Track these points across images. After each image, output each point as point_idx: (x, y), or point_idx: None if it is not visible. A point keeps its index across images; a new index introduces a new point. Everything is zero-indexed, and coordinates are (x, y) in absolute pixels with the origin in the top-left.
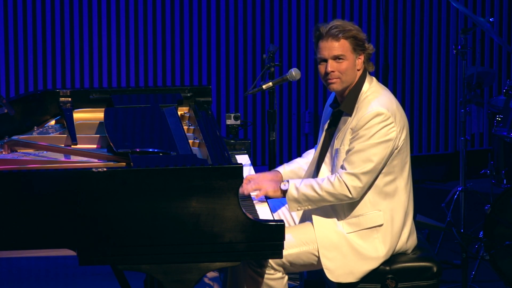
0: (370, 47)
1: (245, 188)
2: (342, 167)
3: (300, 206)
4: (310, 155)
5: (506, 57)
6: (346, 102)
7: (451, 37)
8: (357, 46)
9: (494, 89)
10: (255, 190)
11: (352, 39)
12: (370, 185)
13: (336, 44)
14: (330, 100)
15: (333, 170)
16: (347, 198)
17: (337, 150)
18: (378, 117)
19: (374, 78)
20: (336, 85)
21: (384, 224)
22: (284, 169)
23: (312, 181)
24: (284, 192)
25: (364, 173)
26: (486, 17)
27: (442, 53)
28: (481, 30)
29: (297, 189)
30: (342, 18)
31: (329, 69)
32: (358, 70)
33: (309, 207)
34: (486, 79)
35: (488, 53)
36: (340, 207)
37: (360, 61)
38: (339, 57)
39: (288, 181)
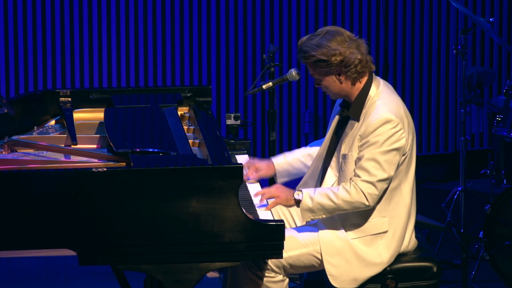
0: (346, 60)
1: (258, 195)
2: (356, 175)
3: (314, 215)
4: (313, 147)
5: (506, 57)
6: (354, 107)
7: (451, 37)
8: (325, 68)
9: (494, 89)
10: (269, 198)
11: (316, 64)
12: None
13: (308, 68)
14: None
15: (340, 176)
16: (364, 206)
17: (344, 156)
18: (388, 124)
19: (381, 81)
20: (331, 97)
21: (389, 230)
22: (279, 160)
23: (326, 190)
24: (298, 202)
25: (380, 181)
26: (486, 17)
27: (442, 53)
28: (481, 30)
29: (311, 198)
30: (342, 18)
31: (315, 85)
32: (341, 83)
33: (323, 216)
34: (486, 79)
35: (488, 53)
36: (345, 214)
37: (342, 77)
38: (315, 78)
39: (301, 190)
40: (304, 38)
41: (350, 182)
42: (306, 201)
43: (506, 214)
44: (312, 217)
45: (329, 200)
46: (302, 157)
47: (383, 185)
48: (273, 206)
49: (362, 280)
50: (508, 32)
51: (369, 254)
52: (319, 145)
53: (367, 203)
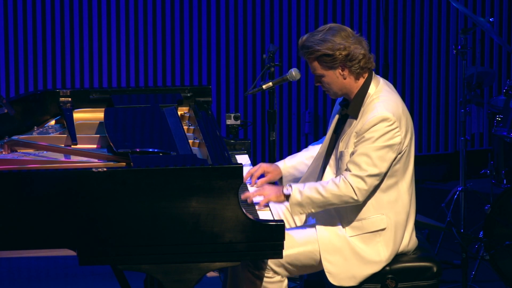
0: (351, 54)
1: (248, 195)
2: (347, 169)
3: (303, 209)
4: (316, 148)
5: (506, 57)
6: (352, 106)
7: (451, 37)
8: (329, 62)
9: (494, 89)
10: (258, 196)
11: (320, 58)
12: (374, 189)
13: (310, 65)
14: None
15: (337, 173)
16: (352, 200)
17: (341, 153)
18: (384, 122)
19: (381, 79)
20: (331, 95)
21: (387, 228)
22: (285, 164)
23: (316, 184)
24: (287, 197)
25: (370, 176)
26: (486, 17)
27: (442, 53)
28: (481, 30)
29: (300, 192)
30: (342, 18)
31: (315, 83)
32: (345, 79)
33: (312, 210)
34: (486, 79)
35: (488, 53)
36: (343, 211)
37: (345, 72)
38: (317, 75)
39: (290, 185)
40: (305, 36)
41: (340, 176)
42: (295, 195)
43: (506, 214)
44: (301, 211)
45: (318, 193)
46: (306, 159)
47: (373, 181)
48: (264, 203)
49: (360, 278)
50: (508, 32)
51: (367, 252)
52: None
53: (355, 198)
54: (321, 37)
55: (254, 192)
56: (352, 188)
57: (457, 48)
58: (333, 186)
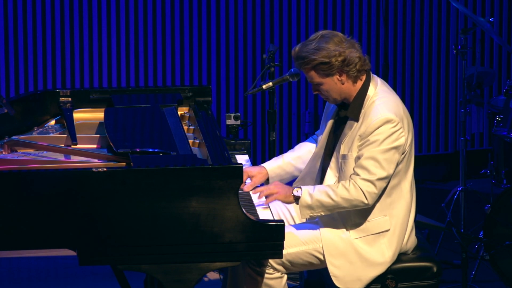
0: (347, 59)
1: (258, 191)
2: (356, 173)
3: (313, 212)
4: (302, 148)
5: (506, 57)
6: (352, 108)
7: (451, 37)
8: (326, 70)
9: (494, 89)
10: (267, 195)
11: (317, 67)
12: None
13: (306, 75)
14: None
15: (340, 176)
16: (363, 204)
17: (344, 156)
18: (388, 124)
19: (378, 80)
20: (330, 102)
21: (391, 228)
22: (271, 165)
23: (325, 187)
24: (297, 199)
25: (379, 179)
26: (486, 17)
27: (442, 53)
28: (481, 30)
29: (310, 195)
30: (342, 18)
31: (313, 92)
32: (343, 84)
33: (322, 213)
34: (486, 79)
35: (488, 53)
36: (346, 214)
37: (343, 77)
38: (315, 84)
39: (301, 187)
40: (298, 46)
41: (349, 180)
42: (305, 198)
43: (506, 214)
44: (311, 214)
45: (328, 197)
46: (293, 160)
47: (382, 184)
48: (271, 201)
49: (366, 280)
50: (508, 32)
51: (371, 254)
52: (312, 142)
53: (366, 202)
54: (314, 46)
55: (264, 191)
56: (363, 192)
57: (457, 48)
58: (344, 190)
